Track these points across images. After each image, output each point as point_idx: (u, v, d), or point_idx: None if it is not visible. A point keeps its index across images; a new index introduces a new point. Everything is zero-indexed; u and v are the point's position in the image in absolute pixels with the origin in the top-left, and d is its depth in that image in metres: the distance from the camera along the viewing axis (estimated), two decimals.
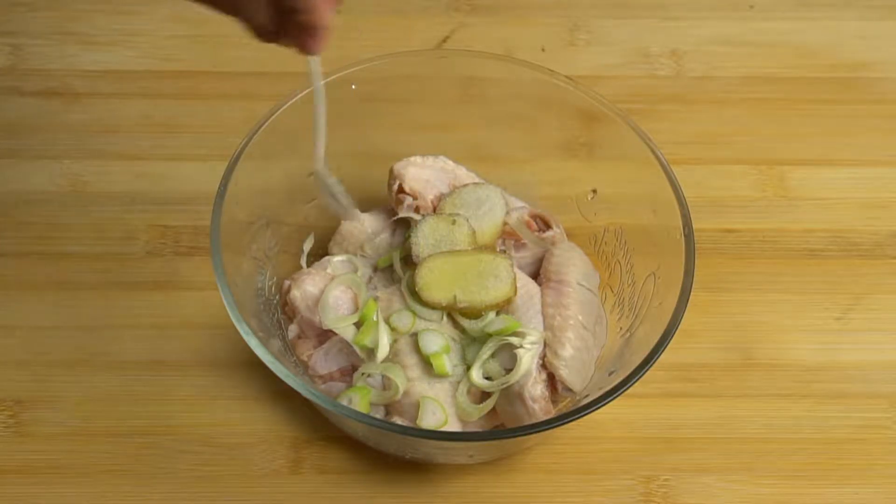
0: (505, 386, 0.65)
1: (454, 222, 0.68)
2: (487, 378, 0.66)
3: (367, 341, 0.66)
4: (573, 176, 0.75)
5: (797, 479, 0.70)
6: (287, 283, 0.69)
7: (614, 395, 0.60)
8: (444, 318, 0.67)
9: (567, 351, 0.65)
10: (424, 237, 0.68)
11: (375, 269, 0.72)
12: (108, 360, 0.73)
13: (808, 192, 0.84)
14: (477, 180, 0.74)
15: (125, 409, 0.71)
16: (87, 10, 0.92)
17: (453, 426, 0.65)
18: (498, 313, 0.67)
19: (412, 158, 0.73)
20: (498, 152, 0.77)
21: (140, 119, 0.85)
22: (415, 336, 0.66)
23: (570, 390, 0.65)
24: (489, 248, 0.69)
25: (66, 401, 0.71)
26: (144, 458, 0.69)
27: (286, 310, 0.69)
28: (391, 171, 0.73)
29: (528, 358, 0.65)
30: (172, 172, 0.82)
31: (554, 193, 0.76)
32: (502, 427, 0.68)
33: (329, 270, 0.71)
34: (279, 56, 0.88)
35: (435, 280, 0.66)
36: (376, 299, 0.68)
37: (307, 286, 0.68)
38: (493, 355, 0.66)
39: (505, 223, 0.71)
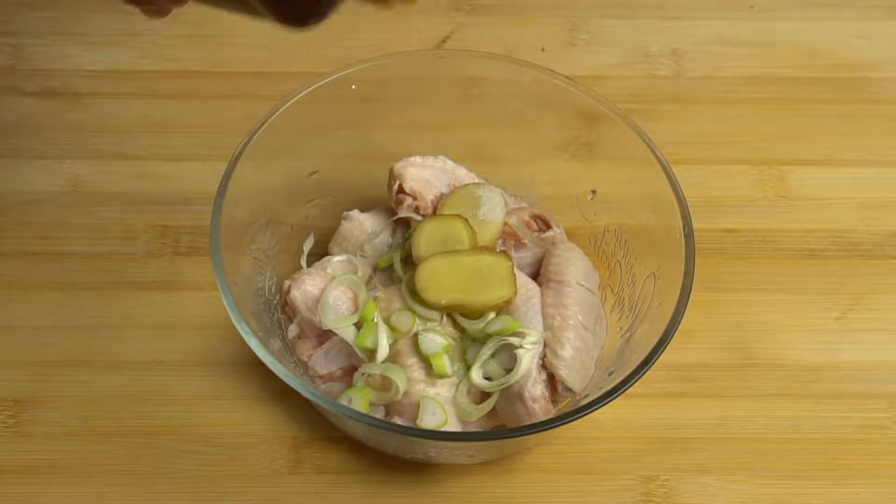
0: (505, 386, 0.65)
1: (454, 222, 0.68)
2: (487, 378, 0.66)
3: (368, 342, 0.66)
4: (573, 176, 0.75)
5: (797, 479, 0.70)
6: (287, 283, 0.69)
7: (614, 395, 0.60)
8: (444, 318, 0.67)
9: (567, 351, 0.65)
10: (424, 237, 0.68)
11: (375, 269, 0.72)
12: (108, 360, 0.73)
13: (808, 192, 0.83)
14: (477, 180, 0.74)
15: (125, 409, 0.71)
16: (87, 10, 0.92)
17: (453, 426, 0.65)
18: (498, 313, 0.67)
19: (412, 158, 0.73)
20: (498, 152, 0.76)
21: (140, 119, 0.85)
22: (415, 336, 0.66)
23: (570, 390, 0.65)
24: (489, 248, 0.69)
25: (66, 401, 0.71)
26: (144, 458, 0.69)
27: (286, 310, 0.69)
28: (391, 171, 0.73)
29: (527, 358, 0.65)
30: (172, 172, 0.82)
31: (554, 193, 0.76)
32: (502, 427, 0.68)
33: (329, 270, 0.71)
34: (279, 56, 0.89)
35: (435, 280, 0.66)
36: (376, 300, 0.68)
37: (307, 286, 0.68)
38: (493, 355, 0.66)
39: (505, 223, 0.71)
